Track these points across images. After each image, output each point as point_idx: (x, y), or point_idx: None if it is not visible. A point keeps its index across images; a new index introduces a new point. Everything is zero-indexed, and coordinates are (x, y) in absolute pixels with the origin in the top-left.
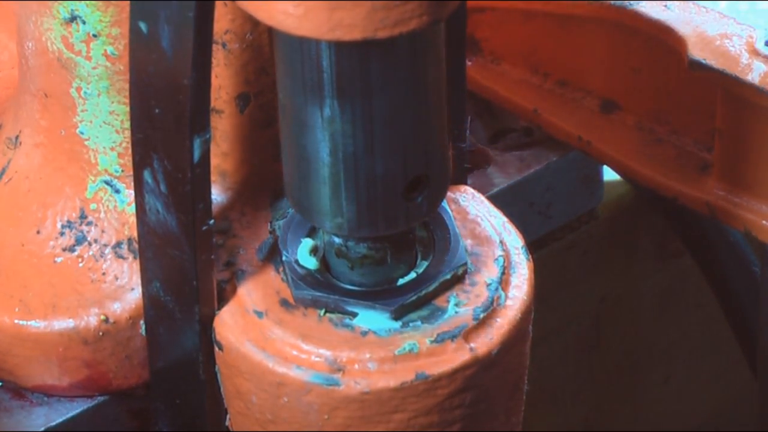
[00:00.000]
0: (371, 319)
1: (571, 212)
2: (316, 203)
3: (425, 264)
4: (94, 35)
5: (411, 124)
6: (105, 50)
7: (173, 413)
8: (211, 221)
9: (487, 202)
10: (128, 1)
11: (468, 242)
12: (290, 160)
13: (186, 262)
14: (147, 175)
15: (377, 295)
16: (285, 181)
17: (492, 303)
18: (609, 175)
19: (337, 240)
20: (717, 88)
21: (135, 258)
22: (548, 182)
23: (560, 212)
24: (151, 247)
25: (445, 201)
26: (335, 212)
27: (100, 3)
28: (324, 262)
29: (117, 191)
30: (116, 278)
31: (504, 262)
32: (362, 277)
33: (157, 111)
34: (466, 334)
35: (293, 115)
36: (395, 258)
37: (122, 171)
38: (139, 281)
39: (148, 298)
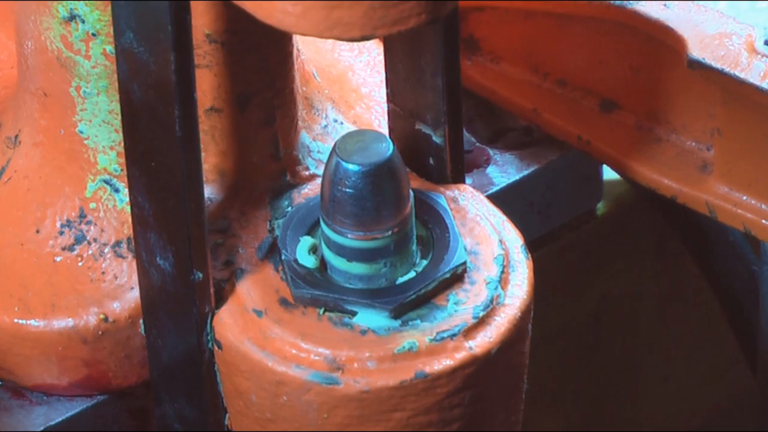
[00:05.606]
0: (370, 317)
1: (571, 212)
2: None
3: (424, 263)
4: (93, 34)
5: None
6: (104, 49)
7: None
8: None
9: (486, 202)
10: None
11: (467, 241)
12: None
13: (160, 4)
14: None
15: (376, 293)
16: None
17: (491, 302)
18: (609, 174)
19: None
20: (716, 87)
21: (134, 257)
22: (548, 182)
23: (560, 212)
24: None
25: (444, 199)
26: None
27: (99, 2)
28: (323, 261)
29: (116, 190)
30: (115, 277)
31: (503, 260)
32: None
33: None
34: (466, 332)
35: None
36: None
37: (121, 170)
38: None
39: (121, 50)
